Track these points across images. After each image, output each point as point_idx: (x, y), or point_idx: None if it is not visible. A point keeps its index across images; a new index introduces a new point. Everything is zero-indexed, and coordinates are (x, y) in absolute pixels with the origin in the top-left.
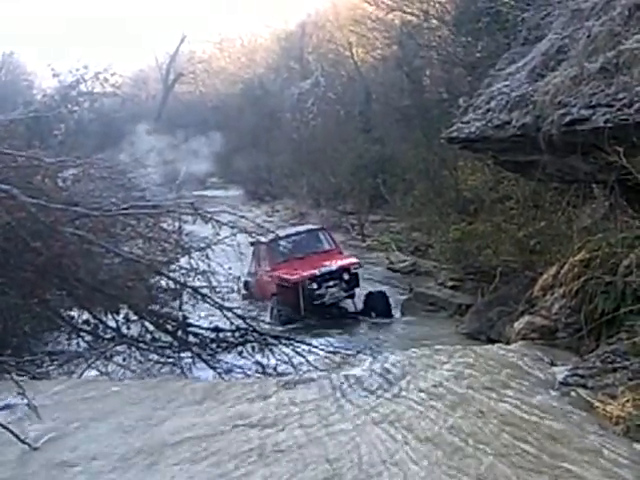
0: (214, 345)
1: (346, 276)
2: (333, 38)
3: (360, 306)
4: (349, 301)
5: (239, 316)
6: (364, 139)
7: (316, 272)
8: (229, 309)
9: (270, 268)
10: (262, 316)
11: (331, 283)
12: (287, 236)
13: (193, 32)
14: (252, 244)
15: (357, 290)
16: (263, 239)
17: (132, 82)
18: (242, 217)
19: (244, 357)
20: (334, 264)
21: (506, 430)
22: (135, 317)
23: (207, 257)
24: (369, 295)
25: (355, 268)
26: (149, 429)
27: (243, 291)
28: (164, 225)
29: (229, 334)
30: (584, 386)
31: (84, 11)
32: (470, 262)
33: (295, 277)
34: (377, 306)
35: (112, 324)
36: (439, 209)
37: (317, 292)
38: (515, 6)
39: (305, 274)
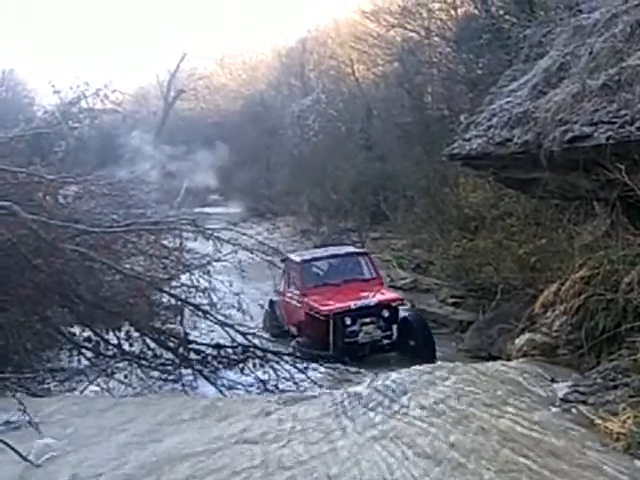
0: (215, 362)
1: (385, 313)
2: (334, 55)
3: (393, 335)
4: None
5: (240, 332)
6: (365, 156)
7: (351, 305)
8: (230, 326)
9: (300, 292)
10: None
11: (367, 320)
12: (323, 257)
13: (194, 49)
14: (283, 260)
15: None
16: (295, 257)
17: (133, 99)
18: (243, 234)
19: (245, 374)
20: (373, 298)
21: (507, 446)
22: (136, 334)
23: (208, 274)
24: (404, 321)
25: (397, 305)
26: (151, 446)
27: (266, 307)
28: (165, 242)
29: (230, 351)
30: (585, 403)
31: (86, 27)
32: (471, 279)
33: (327, 308)
34: (415, 334)
35: (113, 341)
36: (440, 226)
37: (350, 329)
38: (517, 23)
39: (338, 306)
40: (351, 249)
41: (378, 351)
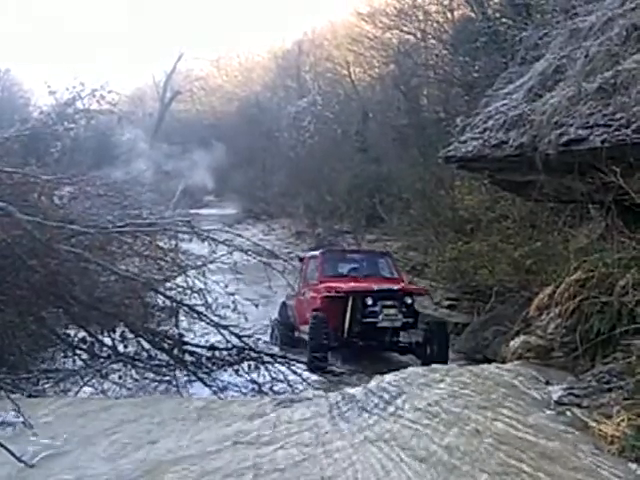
0: (210, 363)
1: (408, 300)
2: (330, 57)
3: (415, 338)
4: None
5: (235, 334)
6: (361, 158)
7: (373, 286)
8: (225, 327)
9: (319, 281)
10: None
11: (389, 303)
12: (344, 251)
13: (190, 50)
14: (301, 259)
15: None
16: (314, 252)
17: (129, 100)
18: (238, 236)
19: (240, 375)
20: (396, 285)
21: (501, 449)
22: (131, 335)
23: (203, 275)
24: (428, 325)
25: (420, 294)
26: (145, 447)
27: (274, 318)
28: (160, 243)
29: (225, 352)
30: (579, 405)
31: (82, 27)
32: (466, 281)
33: (347, 287)
34: (434, 340)
35: (108, 342)
36: (435, 228)
37: (370, 309)
38: (513, 26)
39: (360, 286)
40: (373, 249)
41: (394, 348)
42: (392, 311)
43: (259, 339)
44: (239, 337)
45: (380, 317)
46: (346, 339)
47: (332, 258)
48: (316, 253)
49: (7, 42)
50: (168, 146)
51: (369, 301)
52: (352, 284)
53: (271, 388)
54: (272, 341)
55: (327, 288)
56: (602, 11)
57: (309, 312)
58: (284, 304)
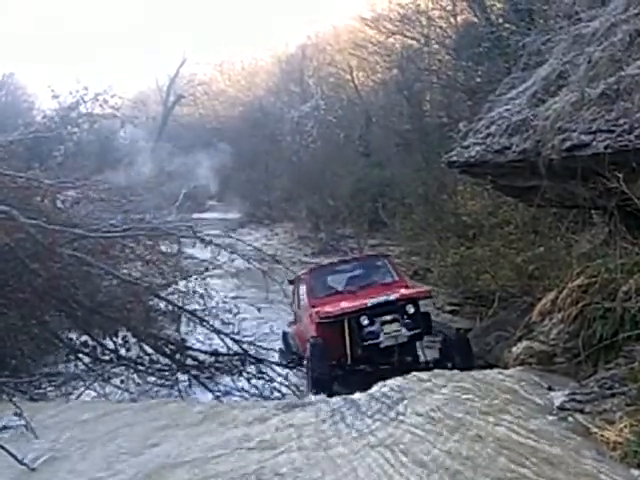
0: (212, 368)
1: (410, 309)
2: (333, 61)
3: (430, 355)
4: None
5: (236, 341)
6: (364, 163)
7: (367, 302)
8: (226, 334)
9: (309, 305)
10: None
11: (388, 318)
12: (333, 264)
13: (194, 54)
14: (291, 282)
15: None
16: (302, 273)
17: (132, 104)
18: (239, 240)
19: (242, 380)
20: (393, 294)
21: (503, 454)
22: (133, 339)
23: (205, 280)
24: (446, 340)
25: (422, 298)
26: (147, 451)
27: (280, 346)
28: (163, 248)
29: (227, 358)
30: (582, 411)
31: (86, 31)
32: (469, 287)
33: (338, 309)
34: (455, 355)
35: (110, 346)
36: (438, 233)
37: (368, 329)
38: (516, 31)
39: (352, 305)
40: (368, 253)
41: (411, 369)
42: (394, 326)
43: (260, 346)
44: (240, 343)
45: (382, 337)
46: (350, 366)
47: (321, 275)
48: (304, 271)
49: (8, 42)
50: (171, 150)
51: (364, 321)
52: (343, 304)
53: (273, 392)
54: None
55: (318, 314)
56: (605, 17)
57: (307, 339)
58: (285, 334)
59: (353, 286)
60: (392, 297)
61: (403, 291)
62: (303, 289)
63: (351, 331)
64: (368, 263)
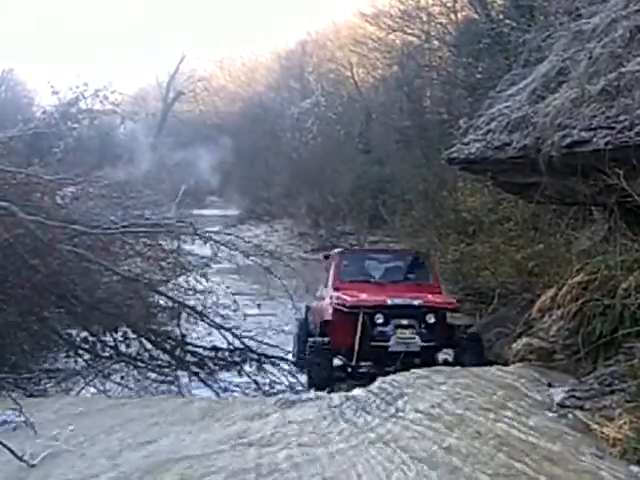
0: (212, 364)
1: (431, 319)
2: (333, 58)
3: (443, 358)
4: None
5: (236, 336)
6: (364, 159)
7: (386, 300)
8: (227, 329)
9: (333, 287)
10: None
11: (404, 322)
12: (367, 251)
13: (193, 50)
14: (326, 257)
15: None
16: (336, 251)
17: (132, 100)
18: (238, 237)
19: (242, 376)
20: (418, 299)
21: (503, 451)
22: (133, 335)
23: (205, 276)
24: (459, 342)
25: (447, 309)
26: (146, 447)
27: (299, 316)
28: (163, 244)
29: (227, 353)
30: (581, 408)
31: (86, 27)
32: (469, 283)
33: (354, 300)
34: (466, 357)
35: (110, 342)
36: (438, 230)
37: (379, 329)
38: (516, 28)
39: (370, 298)
40: (404, 248)
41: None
42: (407, 333)
43: (260, 341)
44: (240, 338)
45: (392, 340)
46: (354, 367)
47: (353, 259)
48: (335, 250)
49: (8, 42)
50: (171, 146)
51: (379, 319)
52: (364, 295)
53: (273, 388)
54: (294, 352)
55: (337, 299)
56: (606, 13)
57: (322, 321)
58: (307, 308)
59: (384, 278)
60: (416, 302)
61: (430, 297)
62: (330, 270)
63: (364, 327)
64: (408, 258)
